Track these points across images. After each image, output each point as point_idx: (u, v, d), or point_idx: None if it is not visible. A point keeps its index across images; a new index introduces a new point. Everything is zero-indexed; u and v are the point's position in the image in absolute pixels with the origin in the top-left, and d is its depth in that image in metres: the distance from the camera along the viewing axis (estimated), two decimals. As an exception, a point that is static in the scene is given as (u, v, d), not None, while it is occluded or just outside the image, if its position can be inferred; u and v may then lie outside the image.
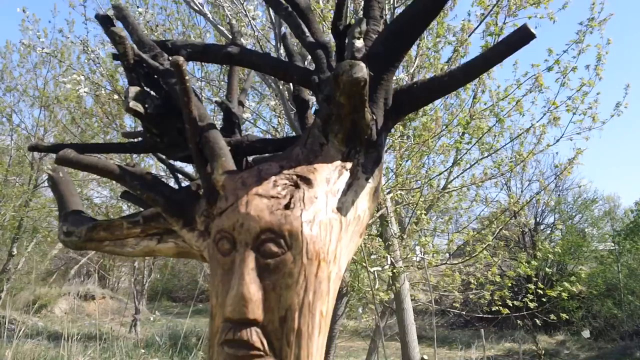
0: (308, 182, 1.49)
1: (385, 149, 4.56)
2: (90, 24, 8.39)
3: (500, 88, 7.26)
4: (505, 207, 9.00)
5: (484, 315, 10.39)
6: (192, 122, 1.60)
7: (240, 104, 2.12)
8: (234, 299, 1.39)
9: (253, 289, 1.38)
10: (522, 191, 19.62)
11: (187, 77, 1.52)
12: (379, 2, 1.67)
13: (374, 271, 7.25)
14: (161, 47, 1.82)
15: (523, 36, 1.46)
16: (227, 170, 1.57)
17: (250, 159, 1.89)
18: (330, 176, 1.54)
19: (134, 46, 1.77)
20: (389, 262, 7.17)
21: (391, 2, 5.88)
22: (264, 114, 9.79)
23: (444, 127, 7.34)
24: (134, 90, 1.67)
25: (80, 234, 1.91)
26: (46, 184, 15.24)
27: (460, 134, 7.31)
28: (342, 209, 1.51)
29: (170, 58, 1.70)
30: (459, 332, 19.36)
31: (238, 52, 1.77)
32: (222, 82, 8.80)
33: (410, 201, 7.98)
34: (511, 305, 8.05)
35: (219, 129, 1.72)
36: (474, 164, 7.71)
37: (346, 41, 1.63)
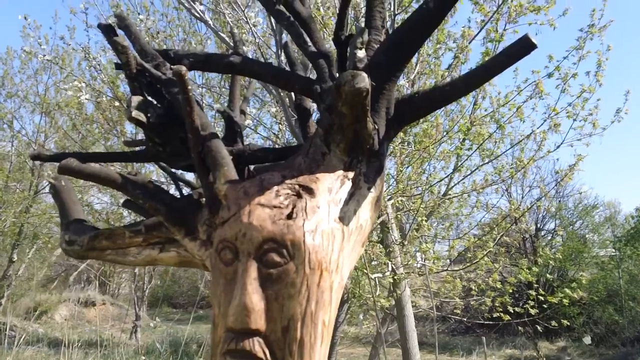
0: (310, 191, 1.50)
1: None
2: (91, 30, 8.42)
3: (501, 94, 7.28)
4: (506, 214, 8.99)
5: (485, 322, 10.36)
6: (194, 132, 1.60)
7: (242, 112, 2.12)
8: (237, 309, 1.39)
9: (255, 298, 1.38)
10: (522, 197, 19.63)
11: (189, 87, 1.53)
12: (381, 12, 1.68)
13: (375, 278, 7.24)
14: (163, 57, 1.83)
15: (524, 46, 1.46)
16: (229, 179, 1.58)
17: (251, 167, 1.89)
18: (332, 186, 1.54)
19: (137, 55, 1.77)
20: (390, 268, 7.17)
21: (392, 9, 5.89)
22: (265, 120, 9.81)
23: (445, 133, 7.35)
24: (136, 99, 1.67)
25: (82, 243, 1.91)
26: (46, 190, 15.28)
27: (461, 140, 7.31)
28: (344, 218, 1.51)
29: (172, 67, 1.71)
30: (460, 339, 19.31)
31: (240, 62, 1.78)
32: (223, 89, 8.82)
33: (411, 207, 7.98)
34: (512, 311, 8.04)
35: (220, 137, 1.72)
36: (475, 170, 7.72)
37: (348, 51, 1.64)
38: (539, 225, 21.30)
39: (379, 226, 7.51)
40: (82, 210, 2.15)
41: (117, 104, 9.22)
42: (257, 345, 1.36)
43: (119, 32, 1.83)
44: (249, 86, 2.46)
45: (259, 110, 9.33)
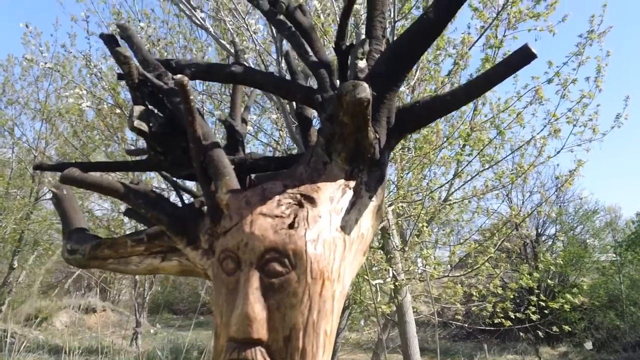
0: (312, 201, 1.50)
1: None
2: (92, 38, 8.44)
3: (501, 100, 7.28)
4: (506, 219, 8.99)
5: (486, 327, 10.37)
6: (196, 141, 1.61)
7: (244, 121, 2.13)
8: (239, 319, 1.39)
9: (257, 308, 1.39)
10: (523, 203, 19.60)
11: (191, 97, 1.54)
12: (381, 22, 1.69)
13: (375, 284, 7.24)
14: (165, 66, 1.84)
15: (524, 56, 1.47)
16: (231, 189, 1.58)
17: (253, 176, 1.90)
18: (333, 195, 1.55)
19: (139, 65, 1.79)
20: (391, 274, 7.16)
21: (392, 16, 5.91)
22: (265, 126, 9.82)
23: (445, 139, 7.36)
24: (138, 109, 1.69)
25: (84, 252, 1.92)
26: (47, 197, 15.29)
27: (461, 146, 7.31)
28: (346, 227, 1.52)
29: (174, 77, 1.72)
30: (461, 344, 19.25)
31: (242, 72, 1.79)
32: (224, 95, 8.84)
33: (412, 213, 7.97)
34: (513, 317, 8.02)
35: (222, 146, 1.73)
36: (475, 175, 7.71)
37: (349, 60, 1.65)
38: (539, 230, 21.27)
39: (379, 232, 7.50)
40: (84, 219, 2.15)
41: (118, 111, 9.23)
42: (259, 355, 1.37)
43: (121, 42, 1.85)
44: (251, 95, 2.47)
45: (260, 117, 9.34)
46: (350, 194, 1.57)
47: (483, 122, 7.32)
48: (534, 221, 20.48)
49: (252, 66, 6.41)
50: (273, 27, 5.79)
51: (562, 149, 7.13)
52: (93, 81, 9.47)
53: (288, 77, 2.06)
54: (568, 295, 7.94)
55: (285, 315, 1.39)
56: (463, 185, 7.97)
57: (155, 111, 1.79)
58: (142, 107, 1.71)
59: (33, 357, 10.22)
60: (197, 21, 6.47)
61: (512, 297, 8.21)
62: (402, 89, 6.70)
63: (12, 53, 21.88)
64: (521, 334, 12.10)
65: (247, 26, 6.15)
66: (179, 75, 1.51)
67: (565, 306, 7.82)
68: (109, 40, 1.80)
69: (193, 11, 6.36)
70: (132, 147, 9.49)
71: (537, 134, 7.20)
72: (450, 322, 12.39)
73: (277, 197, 1.51)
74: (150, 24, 7.80)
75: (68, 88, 10.84)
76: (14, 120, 15.72)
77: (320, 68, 1.78)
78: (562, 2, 6.85)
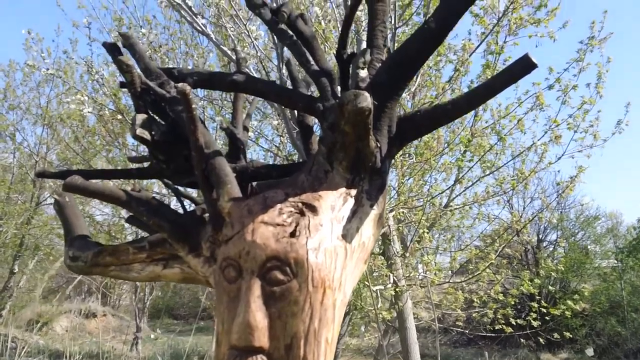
0: (313, 209, 1.51)
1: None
2: (94, 44, 8.46)
3: (502, 106, 7.29)
4: (507, 225, 8.98)
5: (487, 334, 10.31)
6: (198, 150, 1.62)
7: (245, 129, 2.14)
8: (240, 327, 1.40)
9: (259, 316, 1.39)
10: (524, 209, 19.60)
11: (193, 106, 1.55)
12: (382, 31, 1.70)
13: (376, 289, 7.23)
14: (168, 75, 1.85)
15: (525, 66, 1.48)
16: (233, 197, 1.59)
17: (254, 184, 1.90)
18: (335, 203, 1.55)
19: (141, 74, 1.80)
20: (392, 280, 7.16)
21: (393, 22, 5.93)
22: (266, 132, 9.84)
23: (446, 145, 7.37)
24: (140, 117, 1.70)
25: (86, 259, 1.93)
26: (48, 201, 15.30)
27: (462, 152, 7.32)
28: (347, 236, 1.52)
29: (176, 86, 1.73)
30: (462, 351, 19.19)
31: (243, 80, 1.80)
32: (225, 101, 8.86)
33: (413, 219, 7.97)
34: (514, 323, 8.00)
35: (224, 154, 1.74)
36: (476, 181, 7.71)
37: (350, 69, 1.66)
38: (540, 236, 21.23)
39: (380, 238, 7.50)
40: (86, 225, 2.16)
41: (119, 116, 9.24)
42: (260, 363, 1.37)
43: (124, 50, 1.86)
44: (252, 102, 2.48)
45: (261, 122, 9.36)
46: (351, 202, 1.58)
47: (484, 128, 7.33)
48: (535, 227, 20.44)
49: (253, 73, 6.44)
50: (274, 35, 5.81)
51: (563, 155, 7.13)
52: (94, 87, 9.49)
53: (289, 84, 2.07)
54: (569, 302, 7.93)
55: (286, 324, 1.40)
56: (464, 191, 7.98)
57: (158, 119, 1.80)
58: (145, 116, 1.72)
59: (33, 362, 10.20)
60: (198, 27, 6.48)
61: (513, 303, 8.19)
62: (402, 95, 6.71)
63: (13, 58, 21.96)
64: (522, 340, 12.07)
65: (248, 32, 6.16)
66: (181, 84, 1.52)
67: (567, 312, 7.80)
68: (112, 49, 1.81)
69: (194, 17, 6.38)
70: (134, 153, 9.52)
71: (538, 140, 7.21)
72: (451, 328, 12.39)
73: (278, 206, 1.52)
74: (151, 30, 7.83)
75: (69, 94, 10.84)
76: (16, 125, 15.73)
77: (321, 77, 1.78)
78: (563, 9, 6.85)
